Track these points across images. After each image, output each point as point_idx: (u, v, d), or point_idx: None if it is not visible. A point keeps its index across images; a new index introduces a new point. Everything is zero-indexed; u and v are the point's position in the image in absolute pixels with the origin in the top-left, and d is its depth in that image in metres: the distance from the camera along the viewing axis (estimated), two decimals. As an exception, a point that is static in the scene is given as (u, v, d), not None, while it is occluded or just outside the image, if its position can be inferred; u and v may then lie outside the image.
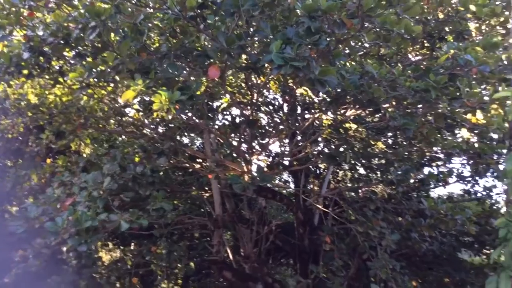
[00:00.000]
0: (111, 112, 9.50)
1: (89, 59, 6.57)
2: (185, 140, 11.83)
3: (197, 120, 8.32)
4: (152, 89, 5.52)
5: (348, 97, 6.84)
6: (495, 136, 10.69)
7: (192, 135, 11.93)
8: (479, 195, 13.26)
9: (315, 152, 10.17)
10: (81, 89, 6.72)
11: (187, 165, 10.40)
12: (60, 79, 7.72)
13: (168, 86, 5.57)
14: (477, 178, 12.89)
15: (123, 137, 11.58)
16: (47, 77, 7.77)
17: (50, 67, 7.28)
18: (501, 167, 10.03)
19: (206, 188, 12.04)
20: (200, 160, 10.81)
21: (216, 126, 10.01)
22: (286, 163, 10.91)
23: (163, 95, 5.13)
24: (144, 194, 7.39)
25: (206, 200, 12.34)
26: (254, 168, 8.48)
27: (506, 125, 8.81)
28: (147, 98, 7.20)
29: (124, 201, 7.34)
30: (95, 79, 6.55)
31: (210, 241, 12.24)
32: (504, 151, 9.99)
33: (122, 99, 6.17)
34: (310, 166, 12.54)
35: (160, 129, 9.65)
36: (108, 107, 9.41)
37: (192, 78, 6.77)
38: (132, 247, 13.97)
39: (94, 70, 6.14)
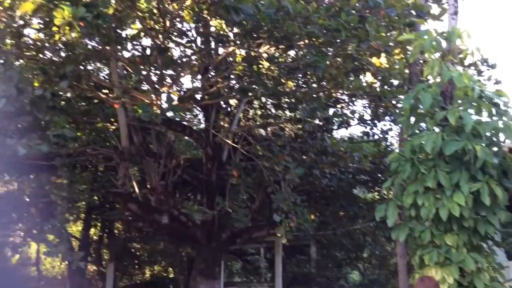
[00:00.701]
0: (7, 31, 8.64)
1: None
2: (91, 68, 11.20)
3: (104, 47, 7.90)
4: (54, 2, 5.06)
5: (262, 31, 6.82)
6: (396, 82, 11.39)
7: (99, 64, 11.35)
8: (376, 137, 14.27)
9: (226, 90, 10.15)
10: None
11: (92, 94, 9.92)
12: None
13: (72, 1, 5.15)
14: (376, 121, 13.82)
15: (21, 61, 10.70)
16: None
17: None
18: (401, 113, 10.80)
19: (112, 120, 11.64)
20: (107, 91, 10.36)
21: (125, 55, 9.56)
22: (198, 97, 10.79)
23: (66, 10, 4.75)
24: (44, 119, 6.93)
25: (112, 133, 11.97)
26: (164, 100, 8.29)
27: (407, 71, 9.39)
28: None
29: (22, 126, 6.85)
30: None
31: (115, 174, 11.97)
32: (402, 97, 10.65)
33: (19, 11, 5.61)
34: (222, 102, 12.55)
35: (63, 54, 9.01)
36: (4, 26, 8.55)
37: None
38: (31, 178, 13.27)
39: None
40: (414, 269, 6.18)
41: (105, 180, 12.01)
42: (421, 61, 8.17)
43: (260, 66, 9.33)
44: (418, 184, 5.80)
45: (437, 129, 5.87)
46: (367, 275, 18.91)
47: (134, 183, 12.21)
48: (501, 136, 5.83)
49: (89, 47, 8.37)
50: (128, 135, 11.17)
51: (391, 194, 6.86)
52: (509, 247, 14.99)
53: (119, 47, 8.32)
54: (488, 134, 5.75)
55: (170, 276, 20.27)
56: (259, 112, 13.53)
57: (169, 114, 9.62)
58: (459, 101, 6.04)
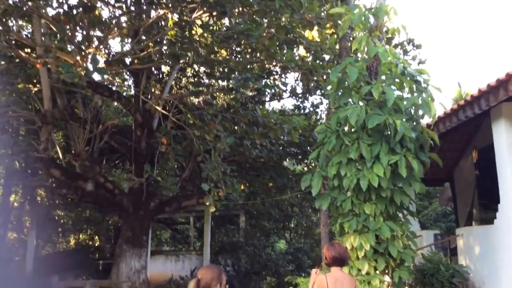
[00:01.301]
0: None
1: None
2: (11, 24, 10.43)
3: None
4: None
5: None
6: (327, 57, 11.60)
7: (21, 22, 10.60)
8: (307, 111, 14.56)
9: (157, 55, 9.85)
10: None
11: (13, 53, 9.27)
12: None
13: None
14: (307, 95, 14.08)
15: None
16: None
17: None
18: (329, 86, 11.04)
19: (35, 81, 10.98)
20: (29, 50, 9.72)
21: (50, 13, 8.96)
22: (127, 61, 10.40)
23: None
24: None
25: (34, 95, 11.31)
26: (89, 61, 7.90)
27: (338, 46, 9.56)
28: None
29: None
30: None
31: (37, 138, 11.38)
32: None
33: None
34: (153, 68, 12.20)
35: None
36: None
37: None
38: None
39: None
40: (335, 237, 6.44)
41: (26, 144, 11.36)
42: (351, 38, 8.35)
43: (193, 32, 9.13)
44: (342, 155, 6.00)
45: (361, 103, 6.06)
46: (293, 244, 19.51)
47: (58, 148, 11.69)
48: (420, 112, 6.12)
49: (10, 2, 7.77)
50: (51, 98, 10.61)
51: (317, 166, 7.05)
52: (424, 218, 16.06)
53: (42, 3, 7.78)
54: (408, 109, 6.02)
55: (96, 245, 19.83)
56: (191, 81, 13.33)
57: (96, 77, 9.23)
58: (383, 77, 6.26)
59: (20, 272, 15.56)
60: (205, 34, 9.68)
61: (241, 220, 18.47)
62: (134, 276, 12.59)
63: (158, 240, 23.94)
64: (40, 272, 15.60)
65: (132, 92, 12.87)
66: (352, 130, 6.11)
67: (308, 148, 13.80)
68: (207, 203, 9.83)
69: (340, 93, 6.39)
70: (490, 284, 6.44)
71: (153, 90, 12.23)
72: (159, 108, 10.46)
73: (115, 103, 14.35)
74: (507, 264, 5.97)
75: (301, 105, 14.40)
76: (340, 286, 3.95)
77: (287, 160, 16.00)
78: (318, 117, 14.61)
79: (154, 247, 22.14)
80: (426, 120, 6.92)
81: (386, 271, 6.03)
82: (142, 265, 12.83)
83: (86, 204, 16.21)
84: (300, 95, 14.02)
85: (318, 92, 13.71)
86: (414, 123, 6.10)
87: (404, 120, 5.68)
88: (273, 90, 12.38)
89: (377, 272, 5.82)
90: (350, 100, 6.30)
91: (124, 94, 13.53)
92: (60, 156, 11.89)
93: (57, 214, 19.66)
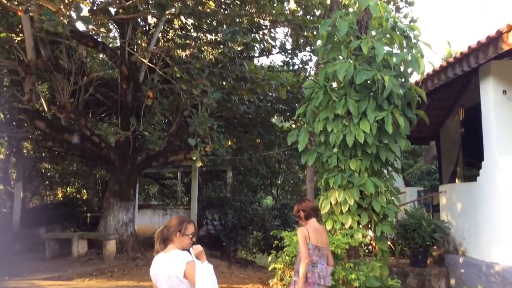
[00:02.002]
0: None
1: None
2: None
3: None
4: None
5: None
6: (318, 12, 11.37)
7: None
8: (296, 67, 14.40)
9: (143, 5, 9.55)
10: None
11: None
12: None
13: None
14: (296, 51, 13.87)
15: None
16: None
17: None
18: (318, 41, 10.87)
19: (17, 30, 10.66)
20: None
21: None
22: (112, 11, 10.08)
23: None
24: None
25: (17, 44, 11.00)
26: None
27: (328, 1, 9.34)
28: None
29: None
30: None
31: (21, 90, 11.16)
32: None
33: None
34: (139, 19, 11.89)
35: None
36: None
37: None
38: None
39: None
40: (320, 192, 6.49)
41: (9, 95, 11.14)
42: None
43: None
44: (329, 111, 5.96)
45: (351, 60, 5.97)
46: (280, 200, 19.78)
47: (43, 101, 11.50)
48: (409, 69, 6.06)
49: None
50: (35, 48, 10.33)
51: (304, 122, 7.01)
52: (408, 176, 16.29)
53: None
54: (397, 65, 5.95)
55: (84, 198, 19.90)
56: (178, 33, 13.03)
57: (80, 26, 8.96)
58: (373, 32, 6.15)
59: (7, 223, 15.64)
60: (193, -16, 9.38)
61: (228, 176, 18.59)
62: (122, 228, 12.73)
63: (146, 194, 24.10)
64: (28, 224, 15.70)
65: (118, 43, 12.58)
66: (340, 86, 6.05)
67: (297, 105, 13.73)
68: (194, 158, 9.82)
69: (329, 48, 6.28)
70: (470, 239, 6.60)
71: (139, 42, 11.98)
72: (145, 61, 10.25)
73: (101, 55, 14.06)
74: (487, 220, 6.10)
75: (290, 61, 14.23)
76: (318, 235, 4.39)
77: (275, 117, 15.96)
78: (307, 74, 14.49)
79: (142, 202, 22.31)
80: (414, 78, 6.88)
81: (369, 225, 6.13)
82: (129, 218, 12.95)
83: (73, 158, 16.14)
84: (289, 51, 13.83)
85: (308, 48, 13.53)
86: (403, 80, 6.05)
87: (392, 76, 5.62)
88: (262, 45, 12.16)
89: (360, 226, 5.92)
90: (339, 55, 6.20)
91: (110, 46, 13.24)
92: (45, 108, 11.72)
93: (43, 167, 19.59)
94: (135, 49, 11.05)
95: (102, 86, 12.30)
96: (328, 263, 4.46)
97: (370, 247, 7.29)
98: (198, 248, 3.26)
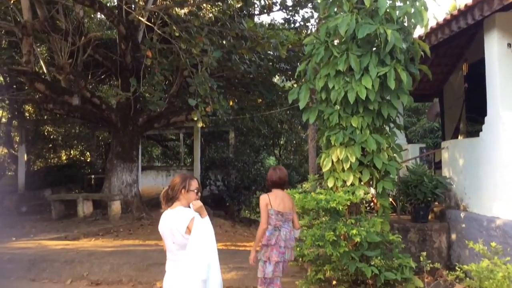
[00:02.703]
0: None
1: None
2: None
3: None
4: None
5: None
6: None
7: None
8: (297, 25, 14.11)
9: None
10: None
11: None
12: None
13: None
14: (298, 8, 13.56)
15: None
16: None
17: None
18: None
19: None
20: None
21: None
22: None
23: None
24: None
25: (13, 5, 10.80)
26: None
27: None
28: None
29: None
30: None
31: (20, 51, 11.04)
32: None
33: None
34: (136, -23, 11.59)
35: None
36: None
37: None
38: None
39: None
40: (322, 150, 6.46)
41: (7, 56, 11.02)
42: None
43: None
44: (330, 68, 5.85)
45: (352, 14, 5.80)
46: (283, 160, 19.86)
47: (42, 62, 11.38)
48: (413, 22, 5.90)
49: None
50: (31, 9, 10.15)
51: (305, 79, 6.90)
52: (411, 134, 16.25)
53: None
54: (400, 19, 5.79)
55: (87, 160, 20.04)
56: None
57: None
58: (377, -16, 5.95)
59: (13, 186, 15.82)
60: None
61: (230, 136, 18.61)
62: (126, 189, 12.86)
63: (149, 156, 24.24)
64: (33, 186, 15.89)
65: (115, 2, 12.32)
66: (342, 41, 5.91)
67: (298, 64, 13.56)
68: (195, 119, 9.78)
69: (330, 1, 6.11)
70: (471, 194, 6.61)
71: (136, 0, 11.71)
72: (143, 20, 10.05)
73: (99, 15, 13.81)
74: (489, 175, 6.09)
75: (291, 18, 13.92)
76: (280, 201, 4.75)
77: (277, 76, 15.79)
78: (309, 31, 14.21)
79: (146, 163, 22.47)
80: (418, 32, 6.72)
81: (371, 182, 6.13)
82: (133, 179, 13.06)
83: (74, 120, 16.14)
84: (290, 8, 13.52)
85: (310, 5, 13.23)
86: (406, 34, 5.89)
87: (395, 30, 5.48)
88: (262, 2, 11.87)
89: (362, 183, 5.92)
90: (340, 9, 6.03)
91: (108, 4, 12.98)
92: (45, 70, 11.60)
93: (46, 130, 19.64)
94: (133, 8, 10.80)
95: (101, 47, 12.14)
96: (294, 226, 4.85)
97: (372, 204, 7.34)
98: (198, 203, 3.35)
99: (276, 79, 16.55)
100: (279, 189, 4.81)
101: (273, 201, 4.72)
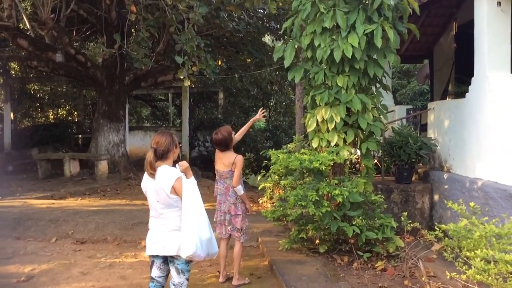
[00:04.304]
0: None
1: None
2: None
3: None
4: None
5: None
6: None
7: None
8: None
9: None
10: None
11: None
12: None
13: None
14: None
15: None
16: None
17: None
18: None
19: None
20: None
21: None
22: None
23: None
24: None
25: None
26: None
27: None
28: None
29: None
30: None
31: (1, 5, 10.66)
32: None
33: None
34: None
35: None
36: None
37: None
38: None
39: None
40: (307, 110, 6.39)
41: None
42: None
43: None
44: (316, 24, 5.70)
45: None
46: (272, 122, 19.75)
47: (25, 17, 11.00)
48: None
49: None
50: (11, -40, 9.75)
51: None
52: (401, 97, 16.17)
53: None
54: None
55: (75, 120, 19.83)
56: None
57: None
58: None
59: (-1, 145, 15.68)
60: None
61: (219, 97, 18.43)
62: (113, 149, 12.78)
63: (138, 116, 24.04)
64: (20, 145, 15.75)
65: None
66: (329, -4, 5.73)
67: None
68: (181, 77, 9.60)
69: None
70: (455, 156, 6.62)
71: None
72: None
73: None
74: (473, 136, 6.07)
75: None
76: (218, 159, 5.13)
77: (267, 36, 15.48)
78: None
79: (135, 124, 22.29)
80: None
81: (355, 143, 6.10)
82: (120, 139, 12.96)
83: (60, 78, 15.84)
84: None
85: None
86: (395, -10, 5.73)
87: (384, -15, 5.32)
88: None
89: (346, 144, 5.88)
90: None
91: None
92: (28, 26, 11.26)
93: (32, 88, 19.31)
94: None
95: (85, 2, 11.77)
96: (232, 183, 5.01)
97: (357, 165, 7.34)
98: (184, 164, 3.34)
99: (266, 39, 16.23)
100: (219, 149, 5.13)
101: (215, 161, 5.19)
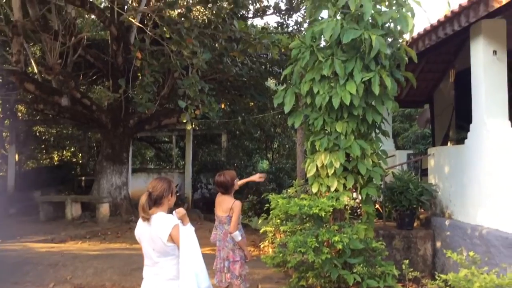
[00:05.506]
0: None
1: None
2: None
3: None
4: None
5: None
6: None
7: None
8: (290, 29, 14.09)
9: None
10: None
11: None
12: None
13: None
14: (291, 11, 13.56)
15: None
16: None
17: None
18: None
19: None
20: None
21: None
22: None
23: None
24: None
25: (5, 4, 10.74)
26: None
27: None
28: None
29: None
30: None
31: (9, 50, 10.96)
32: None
33: None
34: (128, -22, 11.56)
35: None
36: None
37: None
38: None
39: None
40: (307, 155, 6.42)
41: (-4, 55, 10.97)
42: None
43: None
44: (315, 72, 5.81)
45: (339, 17, 5.77)
46: (275, 164, 19.78)
47: (33, 62, 11.29)
48: (398, 28, 5.86)
49: None
50: (23, 8, 10.09)
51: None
52: (404, 140, 16.22)
53: None
54: (386, 24, 5.76)
55: (79, 162, 19.93)
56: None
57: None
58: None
59: (2, 187, 15.70)
60: None
61: (223, 139, 18.55)
62: (115, 192, 12.78)
63: (142, 158, 24.14)
64: (23, 187, 15.77)
65: (106, 3, 12.27)
66: (327, 45, 5.87)
67: (290, 67, 13.52)
68: (184, 121, 9.73)
69: (317, 5, 6.07)
70: (456, 202, 6.58)
71: (129, 1, 11.67)
72: (133, 21, 9.99)
73: (92, 16, 13.76)
74: (473, 182, 6.06)
75: (284, 22, 13.91)
76: (217, 204, 5.09)
77: (270, 80, 15.75)
78: (302, 34, 14.19)
79: (139, 165, 22.36)
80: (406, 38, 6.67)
81: (355, 188, 6.09)
82: (123, 181, 12.98)
83: (65, 121, 16.05)
84: (283, 12, 13.51)
85: (303, 9, 13.21)
86: (391, 40, 5.86)
87: (380, 35, 5.44)
88: (256, 5, 11.83)
89: (346, 189, 5.87)
90: (326, 13, 6.00)
91: (101, 5, 12.92)
92: (35, 70, 11.53)
93: (38, 130, 19.53)
94: (125, 9, 10.75)
95: (93, 48, 12.09)
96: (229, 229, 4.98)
97: (358, 210, 7.29)
98: (181, 211, 3.29)
99: (269, 82, 16.51)
100: (221, 193, 5.10)
101: (215, 205, 5.14)
